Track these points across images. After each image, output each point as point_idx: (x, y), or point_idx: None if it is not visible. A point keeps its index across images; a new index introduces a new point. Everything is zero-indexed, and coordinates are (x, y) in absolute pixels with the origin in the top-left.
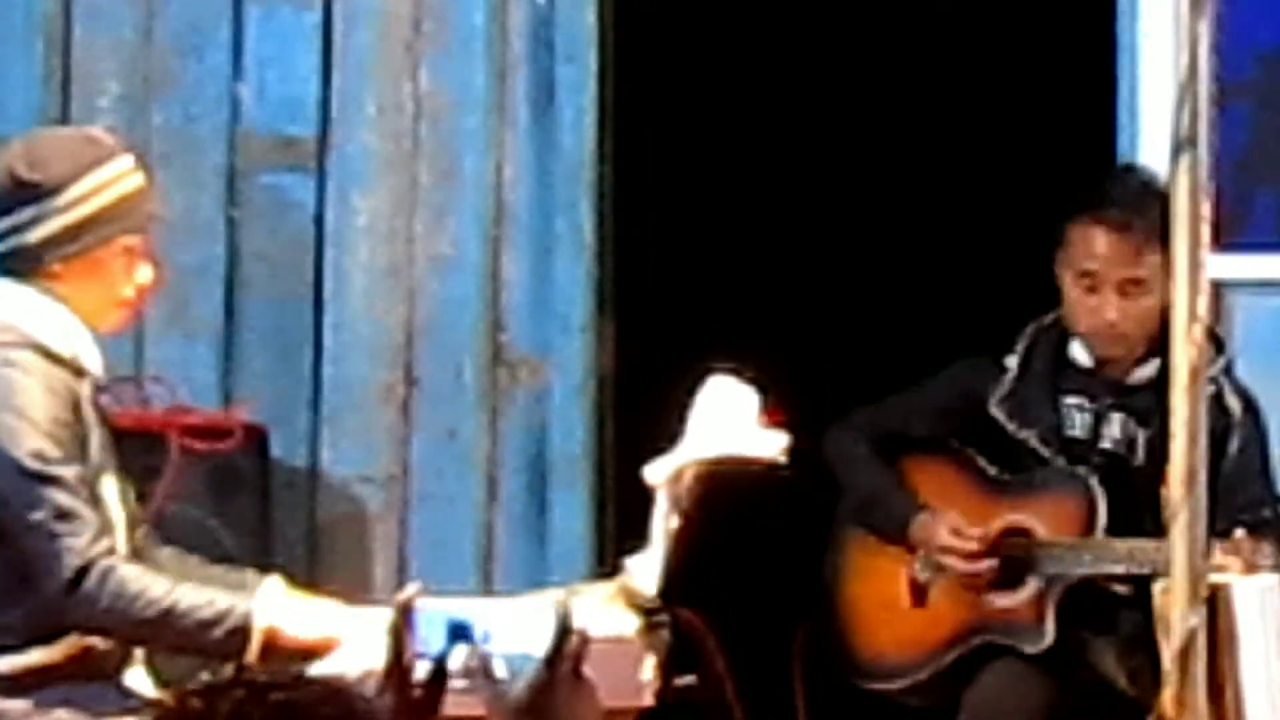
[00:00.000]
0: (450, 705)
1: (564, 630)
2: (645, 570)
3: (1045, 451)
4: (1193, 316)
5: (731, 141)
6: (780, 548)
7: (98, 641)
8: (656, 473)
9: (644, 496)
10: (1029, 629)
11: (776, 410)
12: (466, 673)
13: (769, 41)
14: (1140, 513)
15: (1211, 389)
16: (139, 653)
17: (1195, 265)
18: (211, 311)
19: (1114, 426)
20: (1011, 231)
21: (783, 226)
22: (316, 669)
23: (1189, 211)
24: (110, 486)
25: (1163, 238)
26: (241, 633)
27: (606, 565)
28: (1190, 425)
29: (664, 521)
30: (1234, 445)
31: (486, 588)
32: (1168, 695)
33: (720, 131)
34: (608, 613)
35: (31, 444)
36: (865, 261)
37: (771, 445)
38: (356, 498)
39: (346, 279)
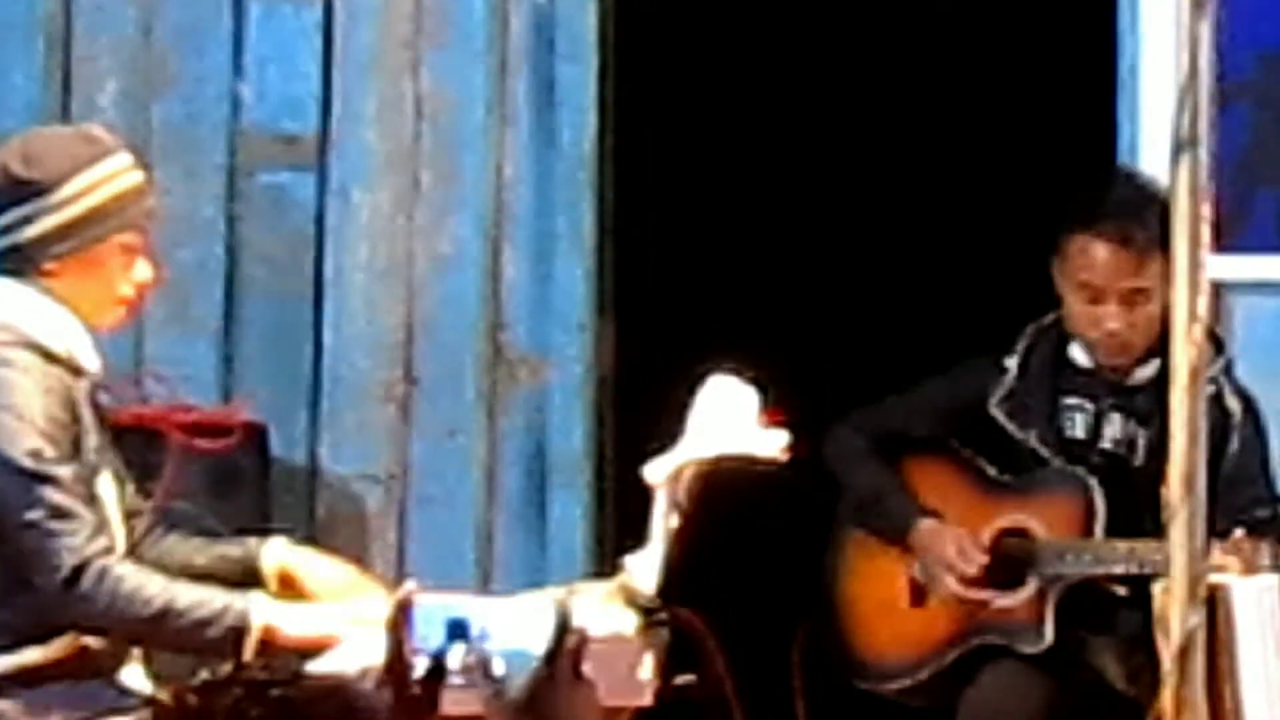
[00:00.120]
0: (449, 703)
1: (563, 629)
2: (644, 569)
3: (1045, 452)
4: (1193, 316)
5: (732, 142)
6: (780, 548)
7: (93, 641)
8: (656, 472)
9: (643, 496)
10: (1028, 629)
11: (776, 410)
12: (465, 670)
13: (770, 42)
14: (1140, 513)
15: (1211, 389)
16: (136, 651)
17: (1195, 265)
18: (212, 309)
19: (1114, 427)
20: (1012, 232)
21: (783, 226)
22: (315, 666)
23: (1189, 212)
24: (107, 485)
25: (1163, 242)
26: (238, 631)
27: (606, 564)
28: (1190, 425)
29: (663, 521)
30: (1234, 445)
31: (485, 586)
32: (1167, 695)
33: (721, 132)
34: (607, 611)
35: (27, 443)
36: (865, 261)
37: (771, 445)
38: (356, 496)
39: (346, 277)
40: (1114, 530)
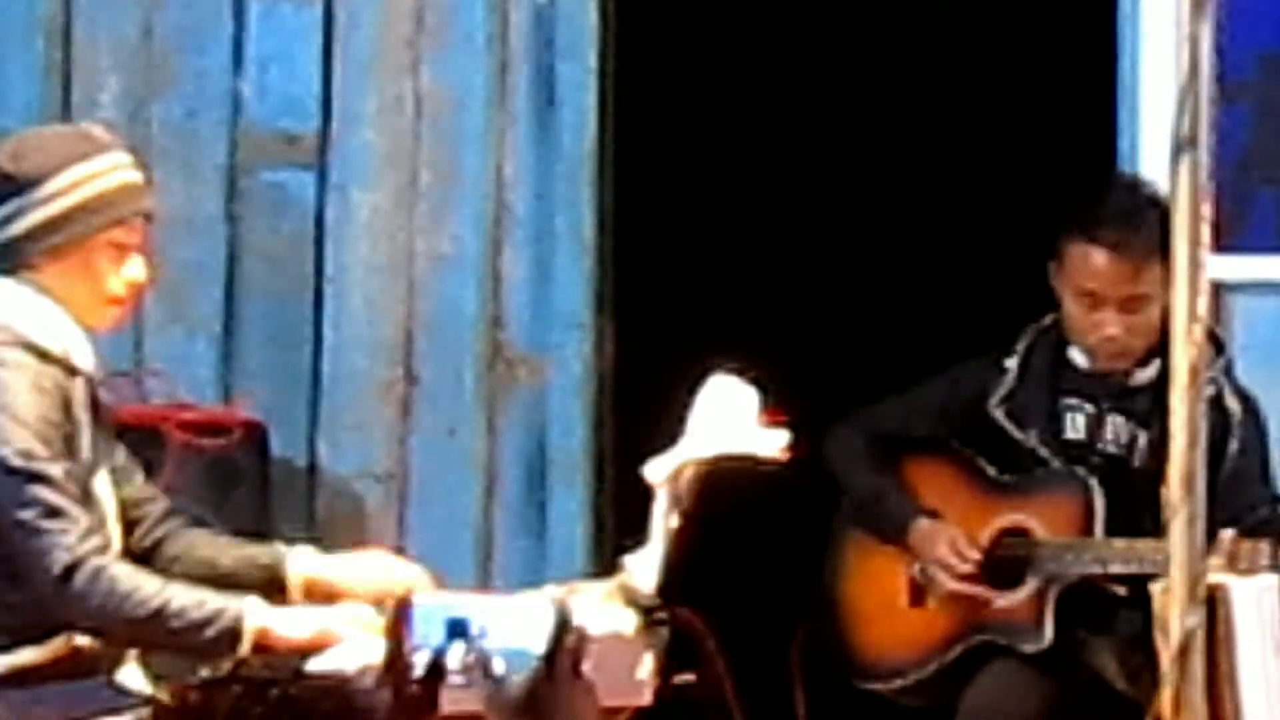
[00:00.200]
0: (448, 702)
1: (562, 628)
2: (644, 568)
3: (1045, 452)
4: (1193, 317)
5: (732, 142)
6: (780, 548)
7: (87, 641)
8: (656, 471)
9: (643, 495)
10: (1028, 629)
11: (776, 410)
12: (464, 669)
13: (770, 42)
14: (1139, 514)
15: (1211, 390)
16: (132, 651)
17: (1195, 265)
18: (211, 307)
19: (1113, 428)
20: (1012, 232)
21: (783, 226)
22: (314, 665)
23: (1189, 211)
24: (104, 484)
25: (1162, 247)
26: (233, 633)
27: (605, 563)
28: (1189, 426)
29: (663, 520)
30: (1234, 446)
31: (485, 585)
32: (1166, 695)
33: (721, 132)
34: (606, 610)
35: (19, 442)
36: (865, 261)
37: (771, 444)
38: (356, 494)
39: (347, 276)
40: (1113, 531)
